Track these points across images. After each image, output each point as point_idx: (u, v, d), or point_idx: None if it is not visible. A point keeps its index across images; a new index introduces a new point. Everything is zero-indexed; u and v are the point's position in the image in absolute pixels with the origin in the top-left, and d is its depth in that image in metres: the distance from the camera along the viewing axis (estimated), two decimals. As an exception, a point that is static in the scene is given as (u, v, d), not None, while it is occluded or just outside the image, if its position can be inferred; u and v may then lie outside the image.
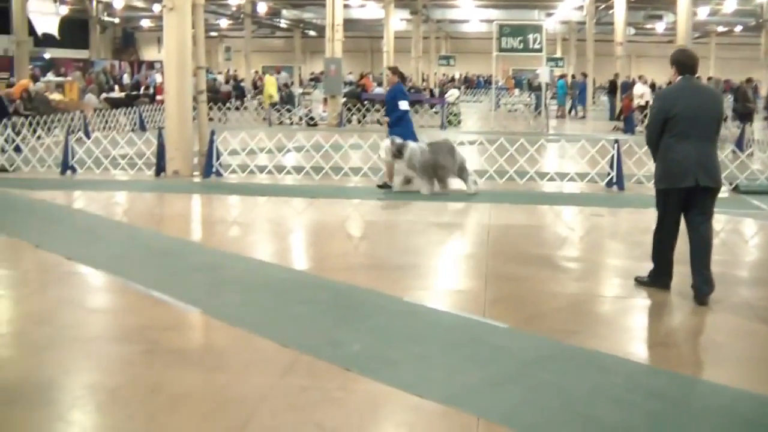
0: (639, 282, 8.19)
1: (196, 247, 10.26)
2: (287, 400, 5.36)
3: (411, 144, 13.80)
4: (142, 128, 25.89)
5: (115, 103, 29.04)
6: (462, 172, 14.07)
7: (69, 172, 16.24)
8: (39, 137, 19.84)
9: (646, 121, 7.94)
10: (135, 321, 7.05)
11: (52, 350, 6.30)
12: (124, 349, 6.34)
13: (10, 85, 26.49)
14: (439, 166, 13.79)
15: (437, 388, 5.53)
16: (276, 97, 33.25)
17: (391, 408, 5.34)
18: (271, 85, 33.69)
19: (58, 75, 34.75)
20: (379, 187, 14.52)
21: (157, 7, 37.75)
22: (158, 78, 34.63)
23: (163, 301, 7.52)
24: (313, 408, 5.22)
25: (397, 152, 13.65)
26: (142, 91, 34.80)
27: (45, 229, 11.03)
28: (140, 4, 43.74)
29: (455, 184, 14.16)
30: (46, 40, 34.03)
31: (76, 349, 6.37)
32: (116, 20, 51.94)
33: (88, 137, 20.38)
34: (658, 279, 8.03)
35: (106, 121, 25.54)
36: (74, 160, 16.51)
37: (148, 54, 58.61)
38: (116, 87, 33.73)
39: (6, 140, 18.25)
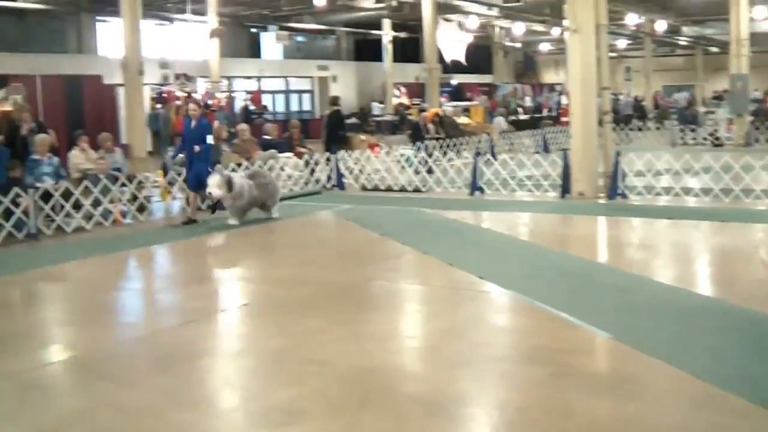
0: None
1: (603, 268, 10.19)
2: (704, 435, 5.14)
3: (236, 178, 14.14)
4: (546, 150, 26.20)
5: (519, 126, 29.73)
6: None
7: (477, 192, 16.84)
8: (450, 159, 20.75)
9: None
10: (543, 342, 7.12)
11: (465, 366, 6.54)
12: (534, 370, 6.42)
13: (422, 110, 27.98)
14: (262, 200, 14.44)
15: None
16: None
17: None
18: None
19: (463, 99, 36.14)
20: (185, 224, 14.29)
21: (555, 31, 38.08)
22: (562, 99, 34.92)
23: (571, 324, 7.53)
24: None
25: (228, 185, 13.72)
26: (544, 113, 35.31)
27: (457, 247, 11.48)
28: (540, 29, 44.30)
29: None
30: (454, 67, 35.52)
31: (486, 367, 6.56)
32: (517, 45, 53.11)
33: (495, 159, 21.00)
34: None
35: (511, 143, 26.16)
36: (482, 181, 17.09)
37: (546, 77, 59.33)
38: (520, 109, 34.53)
39: (420, 162, 19.28)
